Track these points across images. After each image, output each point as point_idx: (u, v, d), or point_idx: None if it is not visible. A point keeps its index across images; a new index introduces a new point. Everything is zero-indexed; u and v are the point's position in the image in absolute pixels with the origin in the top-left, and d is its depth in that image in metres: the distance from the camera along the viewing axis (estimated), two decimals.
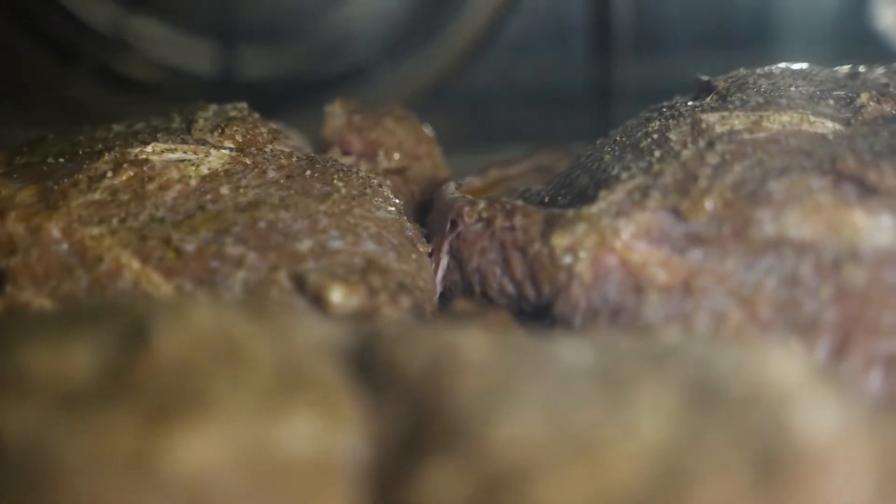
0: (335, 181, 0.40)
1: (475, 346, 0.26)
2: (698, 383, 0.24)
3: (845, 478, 0.22)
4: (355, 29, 0.80)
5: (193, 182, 0.39)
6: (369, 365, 0.27)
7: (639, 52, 0.81)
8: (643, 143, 0.41)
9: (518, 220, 0.39)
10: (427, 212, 0.46)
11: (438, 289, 0.41)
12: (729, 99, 0.42)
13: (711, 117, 0.40)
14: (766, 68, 0.45)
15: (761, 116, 0.40)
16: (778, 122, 0.39)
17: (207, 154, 0.40)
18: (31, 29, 0.77)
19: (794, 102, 0.40)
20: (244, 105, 0.45)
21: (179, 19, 0.79)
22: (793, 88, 0.42)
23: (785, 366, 0.24)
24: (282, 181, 0.40)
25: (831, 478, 0.22)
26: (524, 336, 0.31)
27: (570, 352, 0.27)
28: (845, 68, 0.45)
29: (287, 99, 0.76)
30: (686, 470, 0.22)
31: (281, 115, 0.53)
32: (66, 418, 0.23)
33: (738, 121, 0.40)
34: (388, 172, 0.47)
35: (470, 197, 0.42)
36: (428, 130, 0.51)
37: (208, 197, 0.39)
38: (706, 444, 0.23)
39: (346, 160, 0.47)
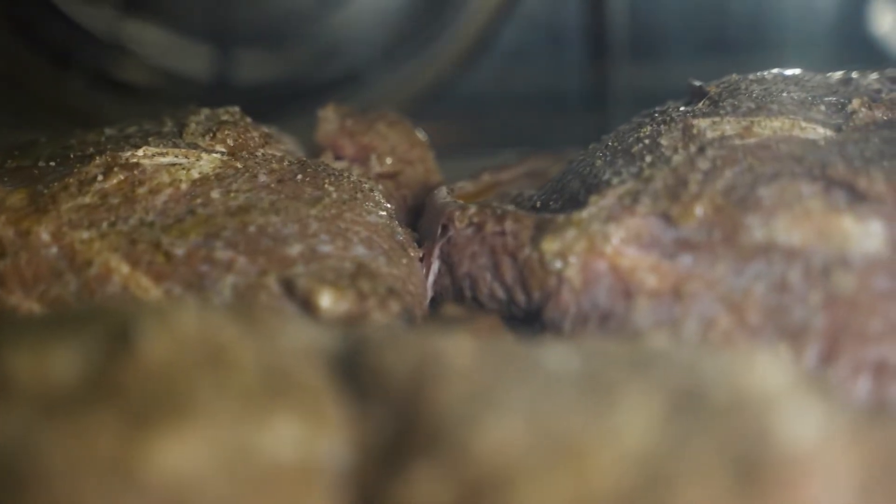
0: (326, 185, 0.40)
1: (460, 351, 0.26)
2: (682, 389, 0.24)
3: (827, 485, 0.22)
4: (351, 33, 0.80)
5: (184, 186, 0.39)
6: (355, 370, 0.27)
7: (635, 56, 0.81)
8: (634, 149, 0.41)
9: (508, 225, 0.39)
10: (419, 216, 0.46)
11: (429, 293, 0.41)
12: (720, 104, 0.42)
13: (703, 123, 0.40)
14: (759, 74, 0.45)
15: (752, 122, 0.40)
16: (769, 127, 0.39)
17: (198, 158, 0.40)
18: (27, 32, 0.77)
19: (785, 108, 0.40)
20: (236, 109, 0.45)
21: (176, 23, 0.79)
22: (784, 94, 0.42)
23: (769, 372, 0.24)
24: (273, 185, 0.40)
25: (812, 485, 0.22)
26: (511, 341, 0.31)
27: (556, 357, 0.27)
28: (838, 74, 0.45)
29: (284, 103, 0.76)
30: (668, 476, 0.22)
31: (278, 118, 0.53)
32: (49, 423, 0.23)
33: (730, 126, 0.40)
34: (381, 177, 0.47)
35: (461, 202, 0.42)
36: (421, 135, 0.51)
37: (199, 201, 0.39)
38: (689, 450, 0.23)
39: (339, 164, 0.47)
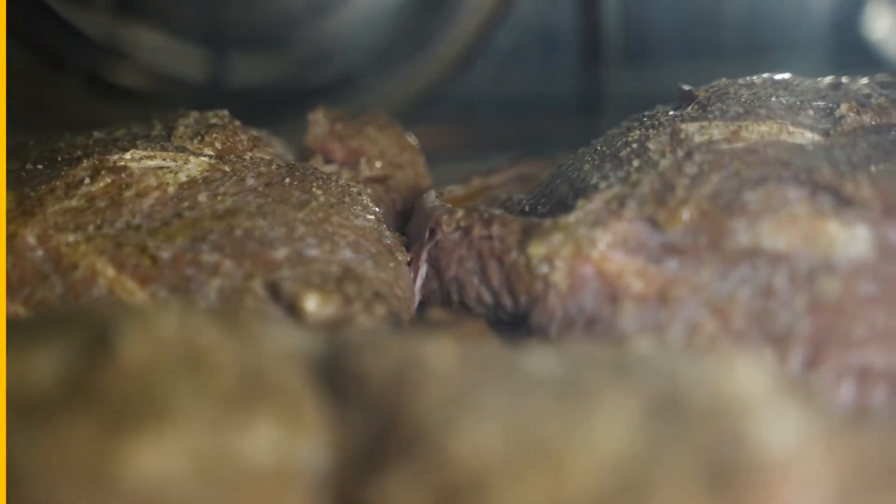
0: (314, 189, 0.40)
1: (442, 355, 0.26)
2: (662, 394, 0.24)
3: (803, 491, 0.22)
4: (345, 37, 0.80)
5: (171, 189, 0.39)
6: (336, 373, 0.27)
7: (628, 61, 0.81)
8: (622, 153, 0.41)
9: (495, 230, 0.39)
10: (409, 220, 0.46)
11: (417, 297, 0.41)
12: (709, 109, 0.42)
13: (691, 127, 0.40)
14: (748, 78, 0.45)
15: (740, 126, 0.39)
16: (756, 132, 0.39)
17: (186, 161, 0.40)
18: (22, 35, 0.77)
19: (773, 113, 0.40)
20: (225, 112, 0.45)
21: (170, 27, 0.79)
22: (773, 99, 0.42)
23: (748, 377, 0.24)
24: (260, 189, 0.40)
25: (788, 490, 0.22)
26: (494, 345, 0.31)
27: (537, 362, 0.27)
28: (828, 79, 0.45)
29: (279, 106, 0.76)
30: (645, 481, 0.22)
31: (273, 122, 0.53)
32: (25, 426, 0.23)
33: (717, 131, 0.40)
34: (370, 181, 0.47)
35: (449, 205, 0.42)
36: (411, 139, 0.51)
37: (185, 204, 0.39)
38: (666, 455, 0.22)
39: (328, 168, 0.47)
